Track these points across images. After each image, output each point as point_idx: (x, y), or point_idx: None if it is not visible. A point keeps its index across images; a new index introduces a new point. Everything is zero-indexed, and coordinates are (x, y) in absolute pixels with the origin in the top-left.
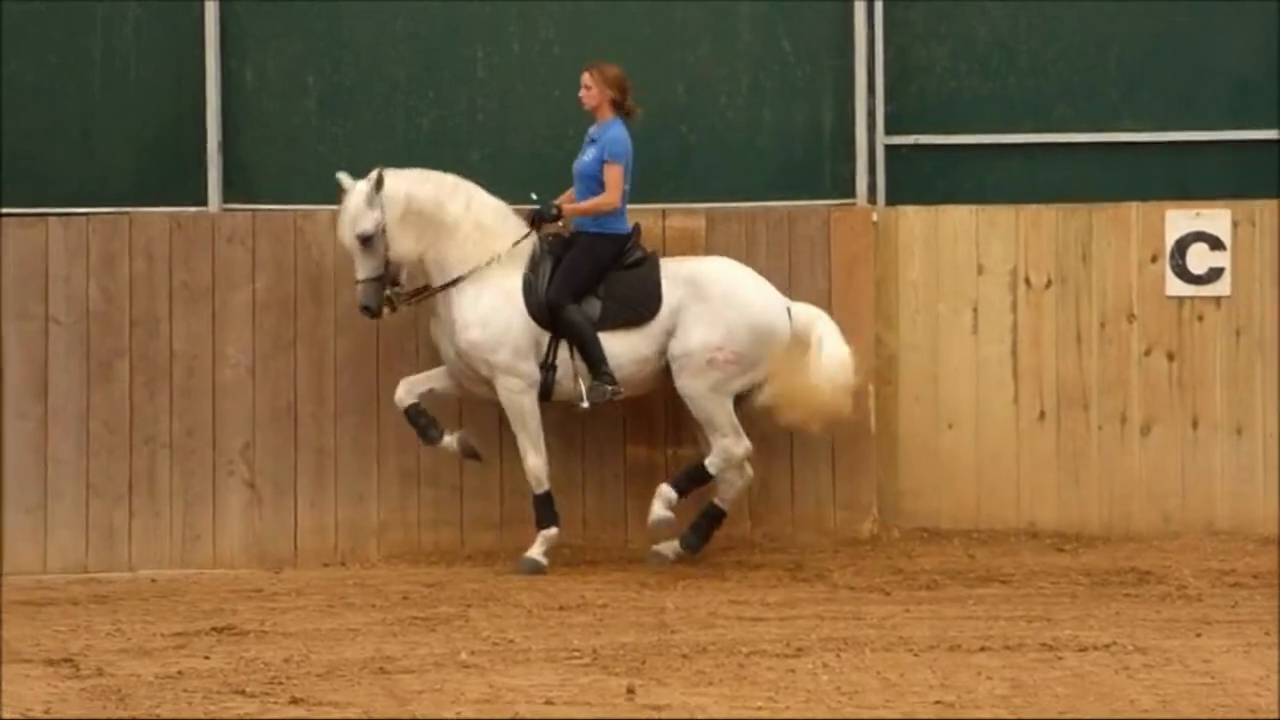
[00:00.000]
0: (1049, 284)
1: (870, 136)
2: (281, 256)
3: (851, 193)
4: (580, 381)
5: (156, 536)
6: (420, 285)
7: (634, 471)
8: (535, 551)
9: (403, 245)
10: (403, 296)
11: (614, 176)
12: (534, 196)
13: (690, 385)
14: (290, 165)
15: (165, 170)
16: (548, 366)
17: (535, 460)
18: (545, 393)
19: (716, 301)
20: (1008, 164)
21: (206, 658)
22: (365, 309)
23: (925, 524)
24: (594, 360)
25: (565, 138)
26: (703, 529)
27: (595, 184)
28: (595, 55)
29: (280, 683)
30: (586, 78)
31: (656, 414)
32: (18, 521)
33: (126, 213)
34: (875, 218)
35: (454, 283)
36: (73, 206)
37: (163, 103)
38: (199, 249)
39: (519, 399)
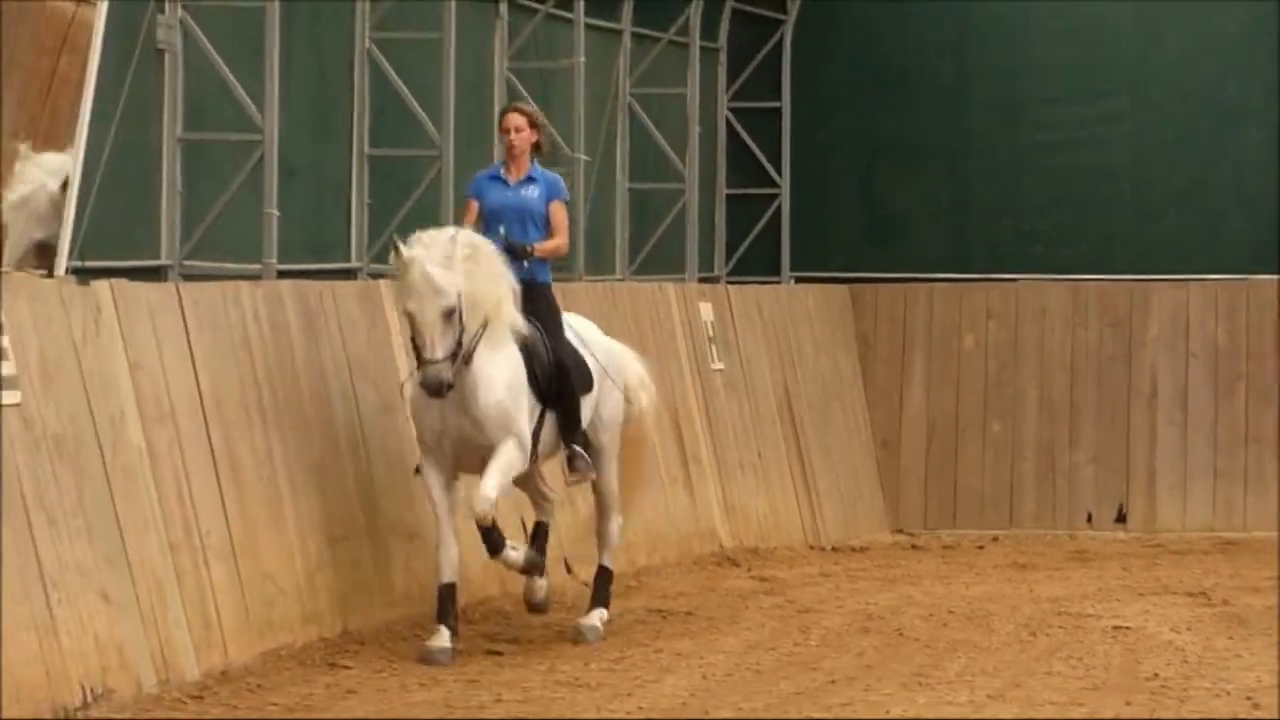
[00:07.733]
0: None
1: None
2: None
3: None
4: (544, 451)
5: (1268, 506)
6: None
7: None
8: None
9: (472, 310)
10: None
11: (565, 217)
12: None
13: (610, 448)
14: None
15: None
16: (534, 437)
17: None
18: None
19: (605, 362)
20: None
21: None
22: (448, 387)
23: None
24: (576, 428)
25: None
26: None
27: (534, 223)
28: None
29: None
30: (518, 119)
31: None
32: (1164, 495)
33: None
34: None
35: (476, 343)
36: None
37: None
38: None
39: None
